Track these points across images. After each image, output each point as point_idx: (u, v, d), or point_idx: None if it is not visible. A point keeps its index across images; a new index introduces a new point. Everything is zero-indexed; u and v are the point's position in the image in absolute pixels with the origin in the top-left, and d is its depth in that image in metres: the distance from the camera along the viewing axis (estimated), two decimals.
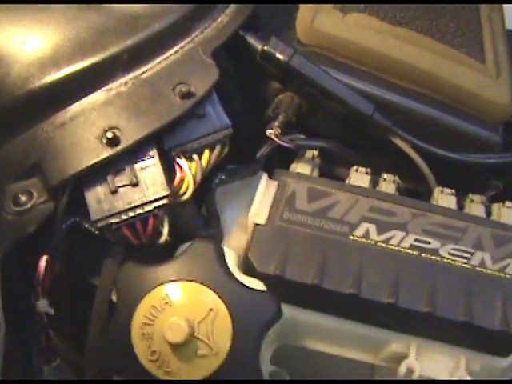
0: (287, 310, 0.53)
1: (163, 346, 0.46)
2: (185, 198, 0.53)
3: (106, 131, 0.51)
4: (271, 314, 0.49)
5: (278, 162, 0.63)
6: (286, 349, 0.57)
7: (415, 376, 0.53)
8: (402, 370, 0.54)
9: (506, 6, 0.76)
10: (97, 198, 0.51)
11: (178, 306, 0.47)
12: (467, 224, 0.58)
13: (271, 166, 0.61)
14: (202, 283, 0.48)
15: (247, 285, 0.51)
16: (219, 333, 0.47)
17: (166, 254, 0.55)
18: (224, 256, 0.50)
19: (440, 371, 0.54)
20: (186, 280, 0.48)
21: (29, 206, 0.51)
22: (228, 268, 0.49)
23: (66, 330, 0.53)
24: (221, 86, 0.56)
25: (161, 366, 0.47)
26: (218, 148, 0.54)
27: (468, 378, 0.53)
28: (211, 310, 0.47)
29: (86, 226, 0.52)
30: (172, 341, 0.45)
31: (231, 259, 0.54)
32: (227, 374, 0.47)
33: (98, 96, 0.53)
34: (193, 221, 0.56)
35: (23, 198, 0.51)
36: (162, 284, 0.48)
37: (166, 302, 0.47)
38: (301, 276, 0.53)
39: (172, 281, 0.48)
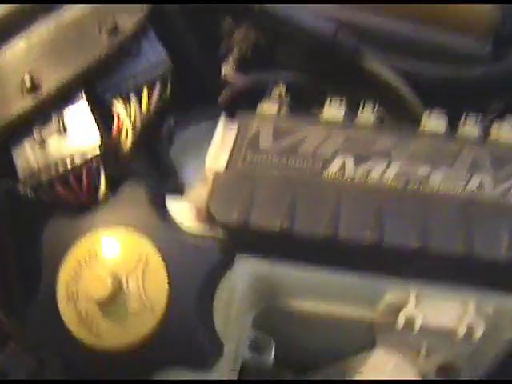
0: (263, 267, 0.48)
1: (90, 305, 0.41)
2: (126, 147, 0.49)
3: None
4: (213, 261, 0.42)
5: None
6: (270, 312, 0.52)
7: (417, 327, 0.48)
8: (401, 321, 0.48)
9: None
10: (24, 155, 0.48)
11: (104, 257, 0.42)
12: (461, 146, 0.51)
13: None
14: (130, 228, 0.42)
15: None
16: (153, 285, 0.42)
17: None
18: (159, 199, 0.44)
19: (446, 318, 0.48)
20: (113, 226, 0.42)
21: None
22: (163, 211, 0.43)
23: (15, 310, 0.49)
24: (166, 25, 0.53)
25: (90, 329, 0.42)
26: (158, 86, 0.51)
27: (482, 323, 0.47)
28: (141, 259, 0.41)
29: (20, 188, 0.49)
30: (96, 298, 0.39)
31: (188, 213, 0.48)
32: (167, 333, 0.42)
33: (19, 44, 0.50)
34: (144, 176, 0.51)
35: None
36: (85, 235, 0.42)
37: (91, 255, 0.42)
38: (268, 222, 0.47)
39: (97, 230, 0.42)
